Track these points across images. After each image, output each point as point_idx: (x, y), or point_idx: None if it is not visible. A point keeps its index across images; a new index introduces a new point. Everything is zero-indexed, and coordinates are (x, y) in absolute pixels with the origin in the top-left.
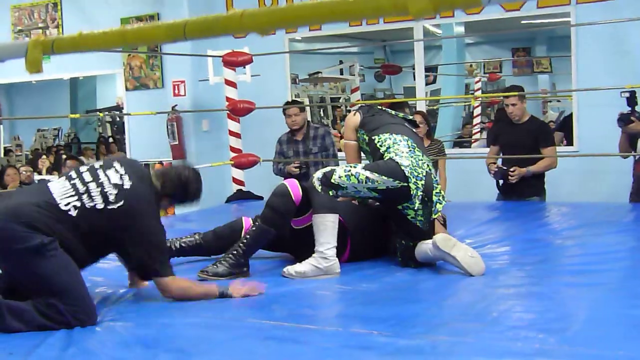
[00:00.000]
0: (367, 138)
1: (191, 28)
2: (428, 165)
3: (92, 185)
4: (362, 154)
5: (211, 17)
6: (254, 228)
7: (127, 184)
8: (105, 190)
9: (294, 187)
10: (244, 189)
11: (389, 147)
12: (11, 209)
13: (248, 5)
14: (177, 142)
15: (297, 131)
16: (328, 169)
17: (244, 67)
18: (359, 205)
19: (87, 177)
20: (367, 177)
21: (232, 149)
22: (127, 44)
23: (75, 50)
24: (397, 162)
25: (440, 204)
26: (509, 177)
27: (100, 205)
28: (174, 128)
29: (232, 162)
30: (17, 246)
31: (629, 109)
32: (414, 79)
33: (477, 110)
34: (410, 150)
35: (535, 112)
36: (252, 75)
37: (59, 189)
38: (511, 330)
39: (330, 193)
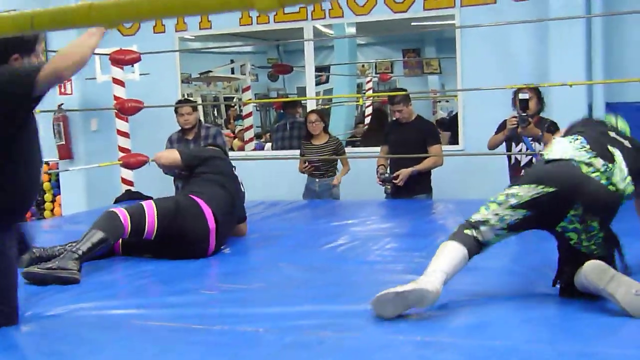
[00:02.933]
0: None
1: (39, 20)
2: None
3: None
4: None
5: (59, 9)
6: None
7: None
8: None
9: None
10: (132, 189)
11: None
12: None
13: None
14: (63, 142)
15: (189, 130)
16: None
17: (132, 66)
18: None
19: None
20: (506, 194)
21: (121, 149)
22: None
23: None
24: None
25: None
26: (395, 183)
27: None
28: (60, 128)
29: (121, 162)
30: None
31: (521, 112)
32: None
33: (369, 110)
34: (568, 143)
35: (425, 112)
36: (140, 74)
37: None
38: (396, 324)
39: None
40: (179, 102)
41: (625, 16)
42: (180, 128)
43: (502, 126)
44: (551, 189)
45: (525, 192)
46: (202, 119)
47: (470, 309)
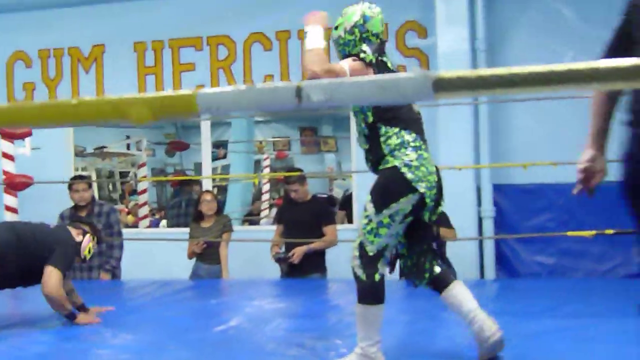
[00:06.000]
0: (370, 118)
1: None
2: (436, 168)
3: None
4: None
5: None
6: None
7: None
8: None
9: None
10: None
11: (394, 150)
12: None
13: (32, 79)
14: None
15: (82, 207)
16: (355, 245)
17: (23, 140)
18: None
19: None
20: (390, 216)
21: None
22: None
23: None
24: (403, 174)
25: (441, 205)
26: (291, 261)
27: None
28: None
29: None
30: None
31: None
32: None
33: (266, 187)
34: (419, 156)
35: (322, 189)
36: (32, 148)
37: None
38: None
39: (377, 274)
40: (74, 178)
41: (509, 104)
42: (73, 204)
43: None
44: (419, 193)
45: (405, 204)
46: (96, 193)
47: None
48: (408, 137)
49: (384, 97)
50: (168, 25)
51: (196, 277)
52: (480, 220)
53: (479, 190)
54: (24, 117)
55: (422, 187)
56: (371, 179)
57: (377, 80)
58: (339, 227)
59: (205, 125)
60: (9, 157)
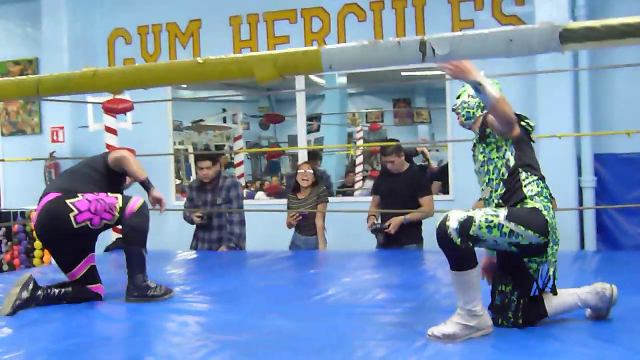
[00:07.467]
0: (512, 162)
1: (45, 86)
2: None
3: None
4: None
5: (64, 76)
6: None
7: None
8: None
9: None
10: None
11: (536, 194)
12: None
13: (131, 55)
14: None
15: (208, 182)
16: (463, 215)
17: (125, 114)
18: None
19: None
20: (511, 231)
21: None
22: None
23: None
24: (545, 218)
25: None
26: (387, 232)
27: None
28: (52, 175)
29: None
30: None
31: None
32: None
33: (360, 159)
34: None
35: (416, 161)
36: (133, 123)
37: None
38: None
39: (469, 245)
40: (199, 154)
41: (610, 71)
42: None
43: None
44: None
45: (530, 238)
46: (192, 167)
47: None
48: (542, 185)
49: (510, 50)
50: None
51: (294, 247)
52: (580, 190)
53: (579, 159)
54: (153, 77)
55: (551, 230)
56: (468, 148)
57: (503, 32)
58: (435, 197)
59: (300, 98)
60: (112, 131)
